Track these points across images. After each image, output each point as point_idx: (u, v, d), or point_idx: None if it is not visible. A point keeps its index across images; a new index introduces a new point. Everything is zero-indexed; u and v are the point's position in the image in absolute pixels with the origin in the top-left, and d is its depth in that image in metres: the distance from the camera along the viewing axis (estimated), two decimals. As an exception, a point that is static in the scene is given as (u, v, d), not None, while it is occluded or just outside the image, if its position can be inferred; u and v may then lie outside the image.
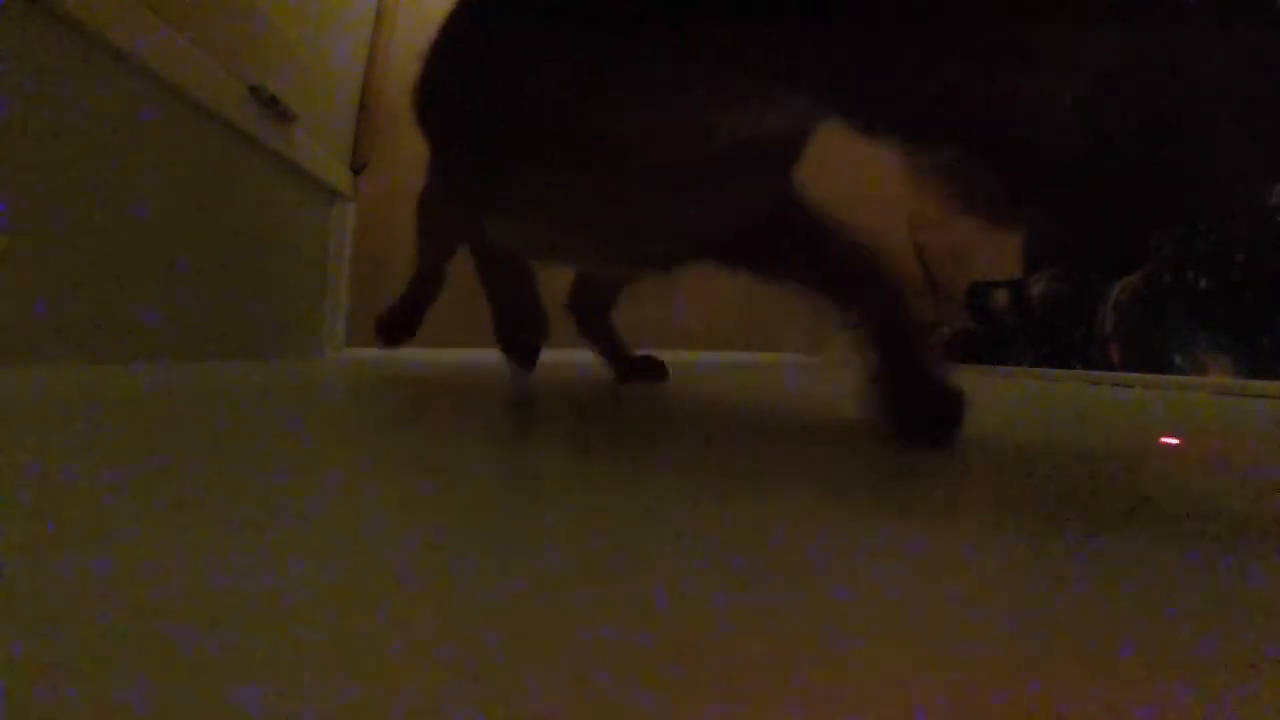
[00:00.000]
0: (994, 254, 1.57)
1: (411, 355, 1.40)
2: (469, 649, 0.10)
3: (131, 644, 0.10)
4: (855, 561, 0.16)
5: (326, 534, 0.16)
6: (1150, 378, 0.75)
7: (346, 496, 0.20)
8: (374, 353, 1.45)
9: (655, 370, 0.81)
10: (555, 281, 0.76)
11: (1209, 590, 0.14)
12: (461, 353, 1.35)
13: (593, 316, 0.81)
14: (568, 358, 1.29)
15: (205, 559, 0.14)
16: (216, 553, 0.15)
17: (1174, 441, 0.54)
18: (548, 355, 0.66)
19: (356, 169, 1.53)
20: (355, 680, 0.09)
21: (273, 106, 1.12)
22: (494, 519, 0.18)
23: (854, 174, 1.52)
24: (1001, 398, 0.65)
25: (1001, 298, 1.39)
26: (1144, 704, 0.09)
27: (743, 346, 1.53)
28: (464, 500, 0.20)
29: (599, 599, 0.12)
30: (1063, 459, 0.33)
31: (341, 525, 0.17)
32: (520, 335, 0.67)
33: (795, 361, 1.46)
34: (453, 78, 0.47)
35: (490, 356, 1.27)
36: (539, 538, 0.16)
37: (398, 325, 0.87)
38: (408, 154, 1.63)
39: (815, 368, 1.23)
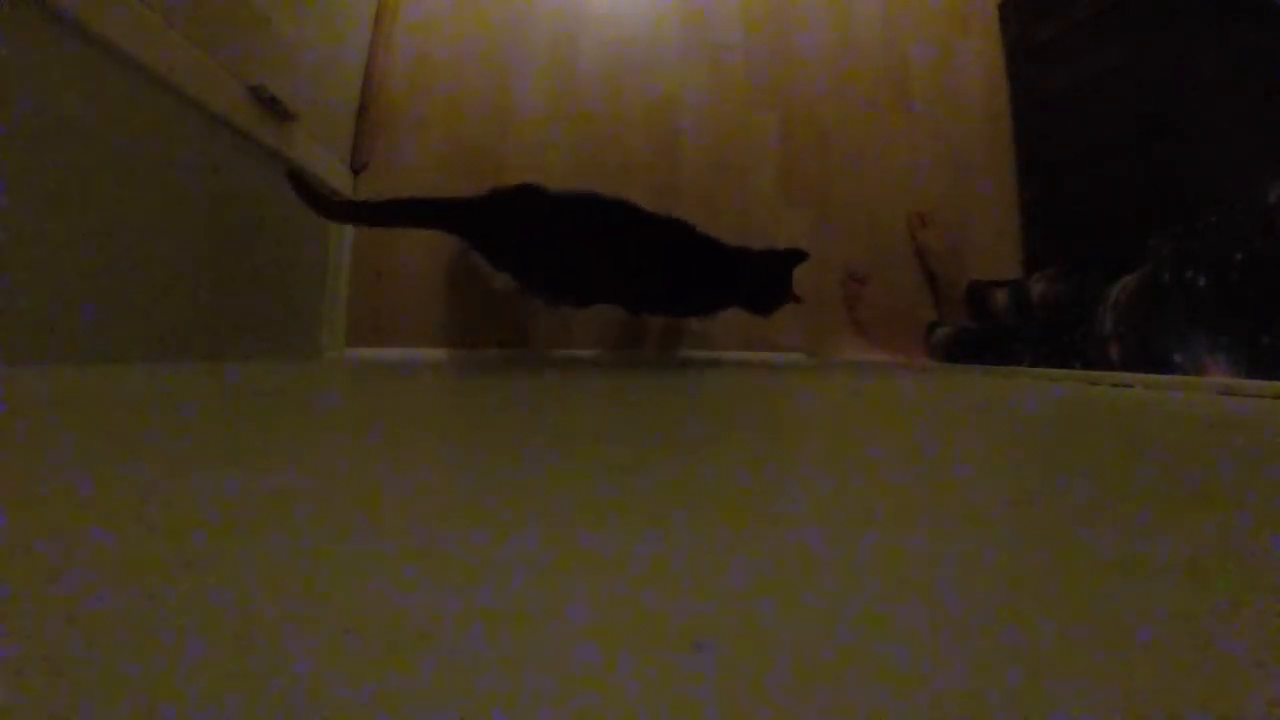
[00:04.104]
0: (993, 254, 1.57)
1: (412, 355, 1.40)
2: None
3: (136, 632, 0.10)
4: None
5: (330, 531, 0.16)
6: (1150, 378, 0.75)
7: (348, 493, 0.20)
8: (374, 352, 1.46)
9: None
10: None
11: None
12: (461, 353, 1.35)
13: None
14: (571, 356, 1.29)
15: (196, 560, 0.14)
16: (210, 553, 0.15)
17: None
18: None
19: (356, 169, 1.53)
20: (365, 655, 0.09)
21: (273, 106, 1.12)
22: (493, 516, 0.18)
23: (856, 175, 1.53)
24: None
25: (1001, 298, 1.39)
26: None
27: (743, 346, 1.53)
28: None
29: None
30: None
31: (343, 522, 0.17)
32: None
33: (795, 360, 1.46)
34: None
35: (489, 356, 1.26)
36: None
37: None
38: (408, 154, 1.63)
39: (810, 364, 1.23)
